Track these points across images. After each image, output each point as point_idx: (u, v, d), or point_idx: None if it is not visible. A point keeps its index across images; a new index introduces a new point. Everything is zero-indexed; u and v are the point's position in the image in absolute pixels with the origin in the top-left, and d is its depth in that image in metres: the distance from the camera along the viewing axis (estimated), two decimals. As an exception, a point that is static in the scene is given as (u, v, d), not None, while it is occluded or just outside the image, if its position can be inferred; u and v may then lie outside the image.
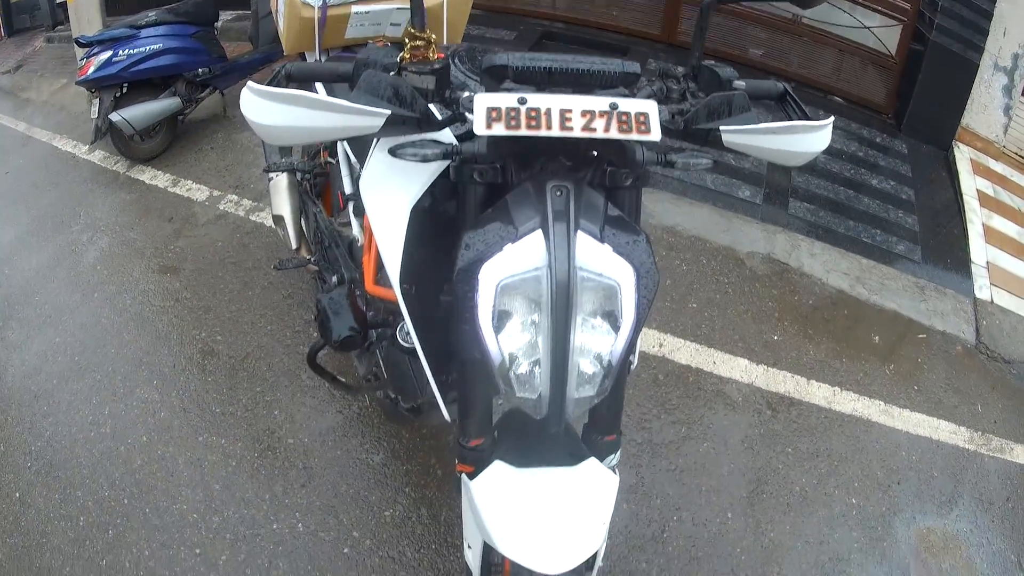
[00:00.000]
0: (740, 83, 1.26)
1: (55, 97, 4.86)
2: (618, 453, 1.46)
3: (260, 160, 3.66)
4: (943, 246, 3.55)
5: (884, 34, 4.34)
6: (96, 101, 3.72)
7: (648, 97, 1.20)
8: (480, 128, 1.02)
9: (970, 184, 3.97)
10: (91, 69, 3.65)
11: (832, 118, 1.18)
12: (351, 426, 2.42)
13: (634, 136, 1.03)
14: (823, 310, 3.02)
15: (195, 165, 3.88)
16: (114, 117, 3.58)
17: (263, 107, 1.03)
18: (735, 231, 3.35)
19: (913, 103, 4.24)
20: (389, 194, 1.32)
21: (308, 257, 2.27)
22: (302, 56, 2.41)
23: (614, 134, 1.02)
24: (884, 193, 3.85)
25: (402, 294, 1.31)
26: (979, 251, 3.54)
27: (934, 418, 2.62)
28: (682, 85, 1.32)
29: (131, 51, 3.70)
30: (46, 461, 2.36)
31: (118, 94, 3.72)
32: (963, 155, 4.19)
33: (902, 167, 4.09)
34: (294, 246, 2.36)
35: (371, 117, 1.05)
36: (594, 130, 1.02)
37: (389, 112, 1.05)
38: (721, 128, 1.14)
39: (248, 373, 2.62)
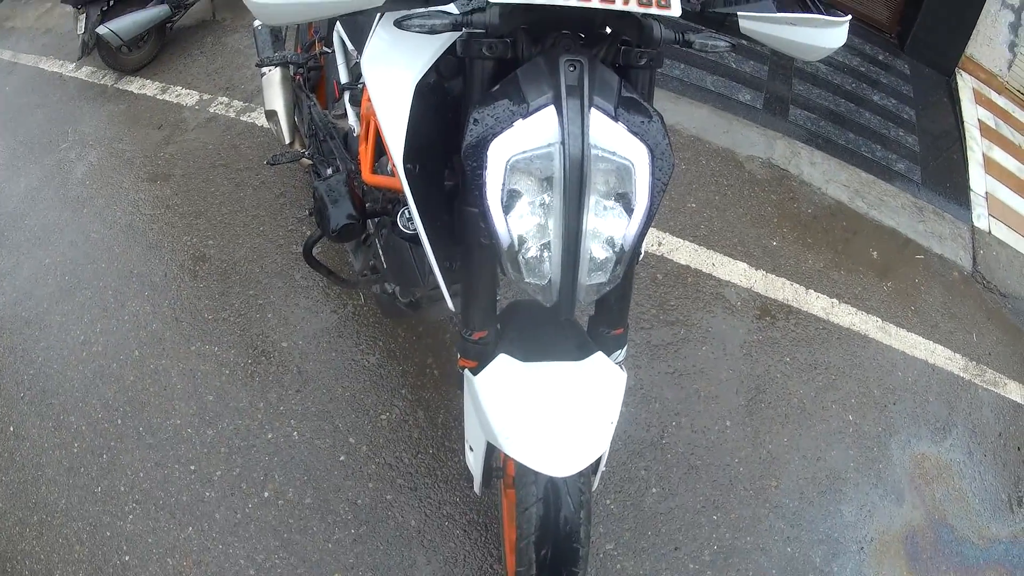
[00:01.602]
0: None
1: (40, 22, 4.73)
2: (624, 349, 1.44)
3: (250, 62, 3.60)
4: (943, 170, 3.52)
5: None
6: (82, 17, 3.61)
7: None
8: None
9: (972, 113, 3.93)
10: (78, -15, 3.54)
11: (849, 17, 1.15)
12: (346, 326, 2.39)
13: (653, 10, 0.99)
14: (822, 220, 2.99)
15: (184, 71, 3.80)
16: (101, 30, 3.48)
17: None
18: (735, 134, 3.31)
19: (917, 26, 4.17)
20: (392, 70, 1.25)
21: (302, 151, 2.22)
22: None
23: (633, 7, 0.98)
24: (885, 110, 3.81)
25: (405, 174, 1.25)
26: (978, 180, 3.51)
27: (930, 342, 2.62)
28: None
29: (118, -38, 3.58)
30: (39, 389, 2.34)
31: (105, 7, 3.61)
32: (966, 84, 4.14)
33: (903, 87, 4.04)
34: (287, 141, 2.32)
35: None
36: (613, 1, 0.97)
37: None
38: (739, 13, 1.10)
39: (241, 276, 2.58)
